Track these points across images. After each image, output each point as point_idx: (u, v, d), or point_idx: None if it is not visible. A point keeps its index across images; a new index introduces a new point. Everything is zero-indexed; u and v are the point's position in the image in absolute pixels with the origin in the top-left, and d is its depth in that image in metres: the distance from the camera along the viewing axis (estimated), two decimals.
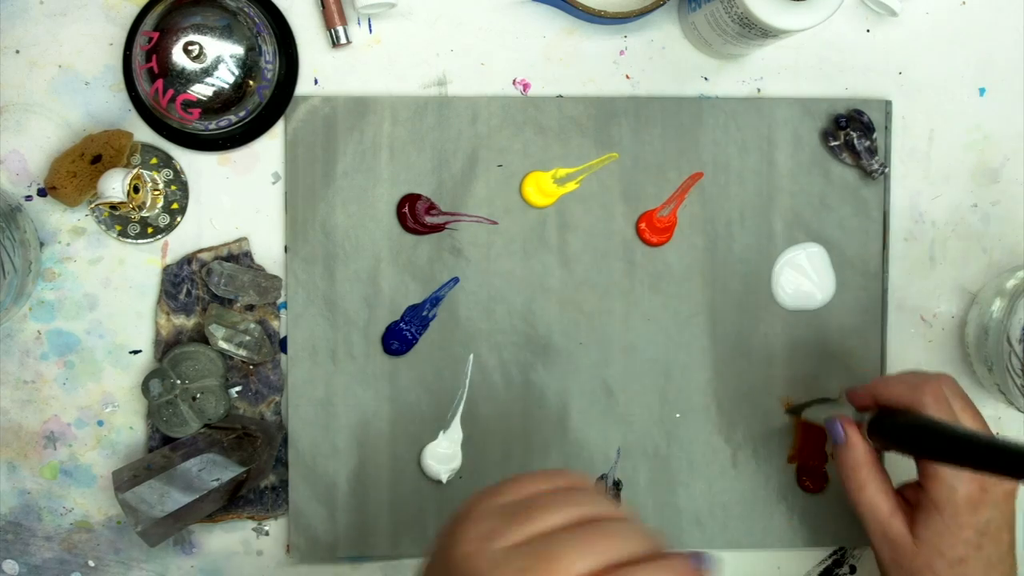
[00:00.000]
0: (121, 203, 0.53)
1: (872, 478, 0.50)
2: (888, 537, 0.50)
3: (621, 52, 0.58)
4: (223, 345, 0.55)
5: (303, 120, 0.57)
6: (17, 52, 0.56)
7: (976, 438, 0.44)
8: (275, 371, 0.57)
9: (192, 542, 0.58)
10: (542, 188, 0.57)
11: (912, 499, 0.51)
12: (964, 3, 0.59)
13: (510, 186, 0.57)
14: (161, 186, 0.56)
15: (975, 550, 0.48)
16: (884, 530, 0.50)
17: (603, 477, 0.58)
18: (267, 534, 0.58)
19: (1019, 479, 0.41)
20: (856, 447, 0.50)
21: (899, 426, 0.48)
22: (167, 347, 0.56)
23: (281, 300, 0.57)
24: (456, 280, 0.57)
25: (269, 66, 0.54)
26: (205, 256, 0.56)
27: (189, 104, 0.52)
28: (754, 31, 0.51)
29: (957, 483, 0.48)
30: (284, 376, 0.57)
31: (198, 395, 0.55)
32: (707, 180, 0.58)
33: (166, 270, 0.57)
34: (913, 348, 0.59)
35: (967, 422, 0.49)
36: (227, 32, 0.52)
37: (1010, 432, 0.60)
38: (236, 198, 0.57)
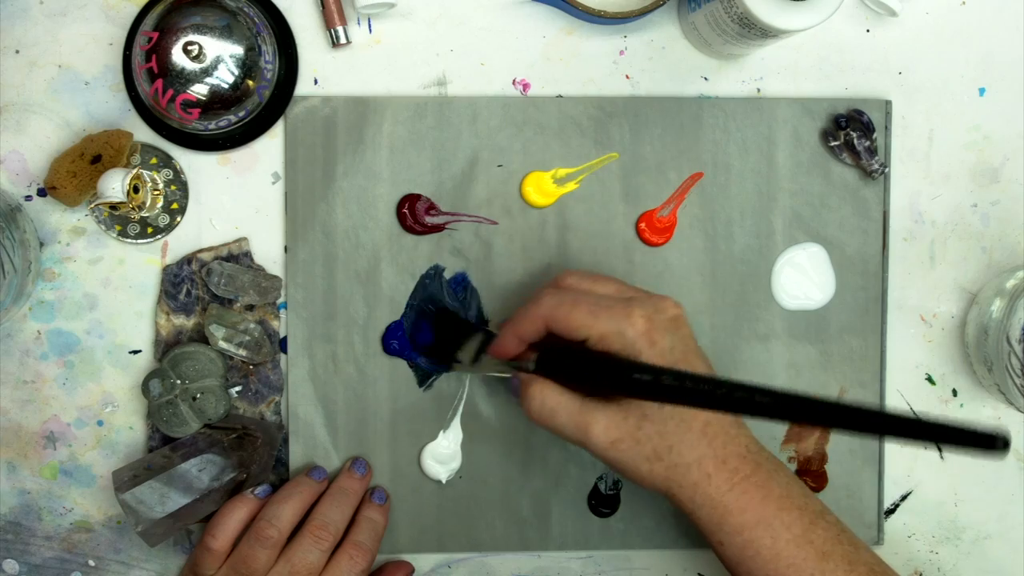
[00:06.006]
0: (121, 203, 0.53)
1: (554, 400, 0.49)
2: (596, 424, 0.48)
3: (621, 52, 0.58)
4: (223, 345, 0.55)
5: (303, 120, 0.57)
6: (17, 52, 0.56)
7: (607, 357, 0.46)
8: (275, 371, 0.57)
9: (192, 542, 0.58)
10: (542, 188, 0.57)
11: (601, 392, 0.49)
12: (964, 3, 0.59)
13: (510, 186, 0.57)
14: (161, 186, 0.56)
15: None
16: (586, 424, 0.48)
17: (602, 477, 0.58)
18: None
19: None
20: (529, 385, 0.49)
21: (558, 368, 0.49)
22: (167, 347, 0.56)
23: (281, 300, 0.57)
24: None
25: (269, 66, 0.54)
26: (205, 256, 0.56)
27: (189, 104, 0.52)
28: (754, 31, 0.51)
29: (624, 327, 0.47)
30: (284, 376, 0.57)
31: (198, 395, 0.55)
32: (707, 180, 0.58)
33: (166, 270, 0.57)
34: (913, 348, 0.59)
35: (608, 288, 0.50)
36: (227, 32, 0.52)
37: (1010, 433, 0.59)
38: (236, 198, 0.57)
